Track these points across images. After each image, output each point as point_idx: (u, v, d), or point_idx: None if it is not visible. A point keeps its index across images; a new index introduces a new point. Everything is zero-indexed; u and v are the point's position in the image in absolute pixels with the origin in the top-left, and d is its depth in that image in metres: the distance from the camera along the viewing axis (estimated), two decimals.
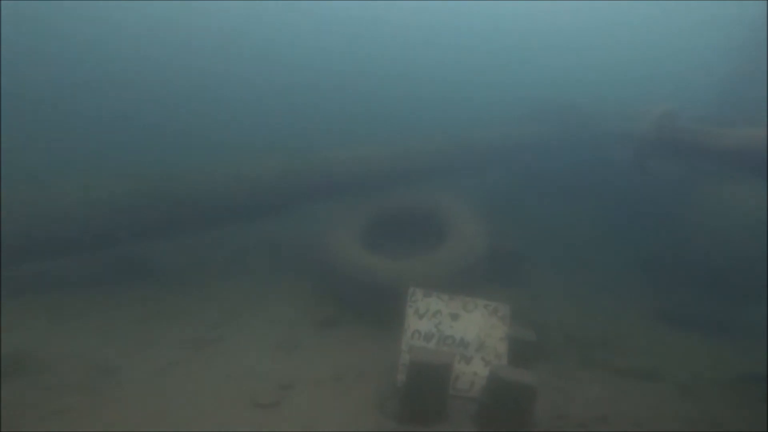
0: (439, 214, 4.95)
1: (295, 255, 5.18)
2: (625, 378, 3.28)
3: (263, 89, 15.81)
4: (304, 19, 21.80)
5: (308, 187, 4.90)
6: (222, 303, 4.23)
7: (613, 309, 4.44)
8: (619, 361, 3.52)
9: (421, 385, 2.56)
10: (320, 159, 5.01)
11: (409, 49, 21.68)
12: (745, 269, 4.20)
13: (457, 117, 12.10)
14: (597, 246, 5.59)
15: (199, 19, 19.41)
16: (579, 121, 6.37)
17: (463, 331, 3.16)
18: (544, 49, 21.85)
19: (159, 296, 4.26)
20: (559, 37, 22.61)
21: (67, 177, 4.30)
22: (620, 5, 22.10)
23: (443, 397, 2.65)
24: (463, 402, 2.79)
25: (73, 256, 4.22)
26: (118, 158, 7.19)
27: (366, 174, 5.16)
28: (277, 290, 4.53)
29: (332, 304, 4.22)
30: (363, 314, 4.00)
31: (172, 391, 2.78)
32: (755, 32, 6.35)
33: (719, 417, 2.78)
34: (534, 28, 23.17)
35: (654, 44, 20.92)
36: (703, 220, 4.39)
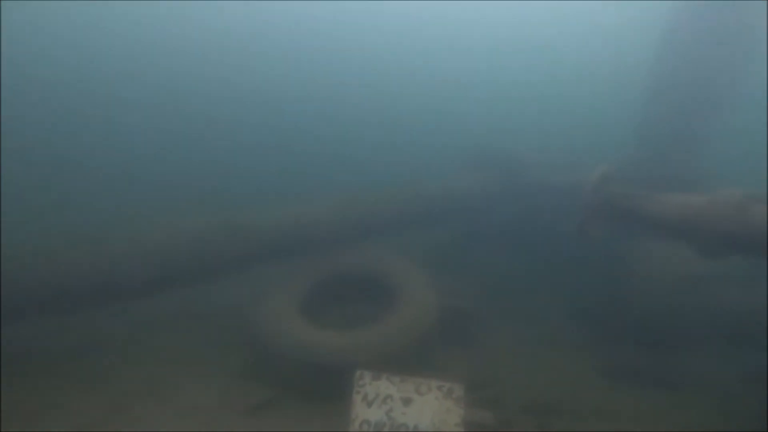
0: (386, 275, 4.70)
1: (218, 328, 4.57)
2: None
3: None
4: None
5: (228, 256, 4.33)
6: (114, 390, 3.55)
7: (562, 367, 4.37)
8: (579, 427, 3.40)
9: None
10: (245, 221, 4.49)
11: (342, 89, 21.80)
12: (677, 320, 4.36)
13: (396, 165, 12.19)
14: (543, 299, 5.62)
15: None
16: (519, 172, 6.43)
17: (417, 417, 2.83)
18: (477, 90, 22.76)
19: (36, 385, 3.51)
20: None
21: None
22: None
23: None
24: None
25: None
26: None
27: (299, 236, 4.73)
28: (194, 371, 3.90)
29: (267, 385, 3.70)
30: (303, 396, 3.53)
31: None
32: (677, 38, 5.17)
33: None
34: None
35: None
36: (638, 274, 4.55)
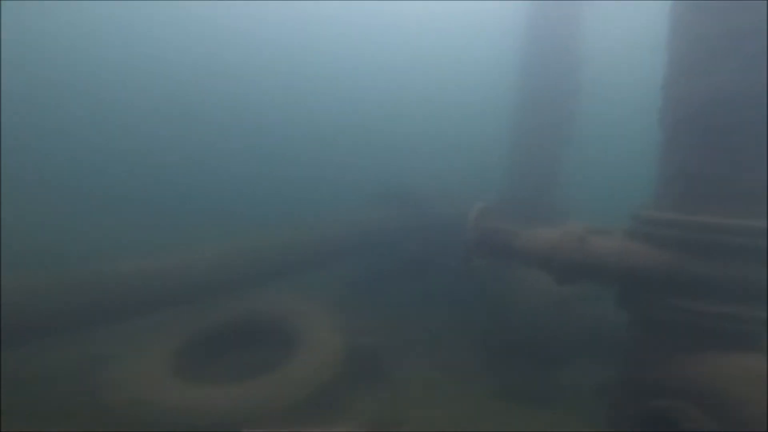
0: (284, 319, 4.46)
1: (69, 394, 3.83)
2: None
3: None
4: None
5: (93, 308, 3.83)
6: None
7: (463, 395, 4.50)
8: None
9: None
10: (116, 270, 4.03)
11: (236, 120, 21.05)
12: (549, 340, 4.83)
13: (296, 202, 11.96)
14: (444, 331, 5.77)
15: None
16: (422, 206, 6.66)
17: None
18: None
19: None
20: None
21: None
22: None
23: None
24: None
25: None
26: None
27: (182, 283, 4.34)
28: None
29: None
30: None
31: None
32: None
33: None
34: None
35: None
36: (518, 301, 5.00)
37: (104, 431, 3.01)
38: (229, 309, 4.54)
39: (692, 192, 2.82)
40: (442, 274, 6.25)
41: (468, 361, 5.18)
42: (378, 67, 24.78)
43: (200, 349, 4.16)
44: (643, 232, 2.97)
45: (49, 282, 3.60)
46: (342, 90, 24.54)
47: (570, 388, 4.48)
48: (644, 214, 3.01)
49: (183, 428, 3.13)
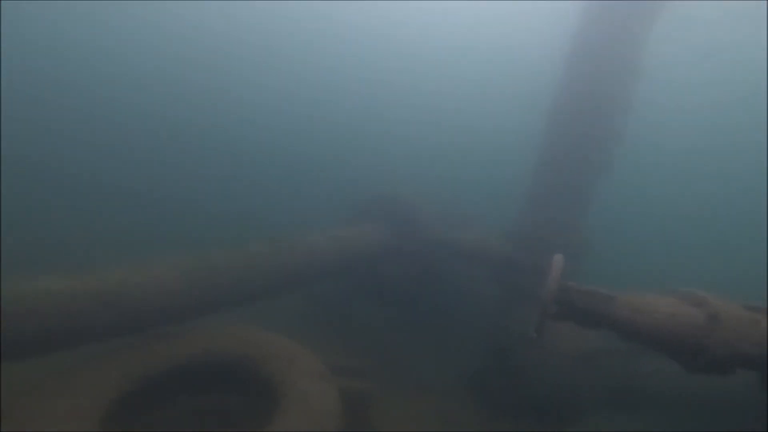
0: (257, 360, 3.53)
1: None
2: None
3: None
4: None
5: None
6: None
7: None
8: None
9: None
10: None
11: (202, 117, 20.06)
12: (570, 392, 4.17)
13: (270, 215, 11.00)
14: (439, 366, 5.04)
15: None
16: (413, 224, 5.85)
17: None
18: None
19: None
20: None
21: None
22: None
23: None
24: None
25: None
26: None
27: (120, 310, 3.29)
28: None
29: None
30: None
31: None
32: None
33: None
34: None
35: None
36: (531, 345, 4.32)
37: None
38: (184, 343, 3.55)
39: None
40: (440, 302, 5.50)
41: (466, 404, 4.46)
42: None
43: (148, 395, 3.15)
44: None
45: None
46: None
47: None
48: None
49: None
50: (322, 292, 6.31)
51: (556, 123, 5.16)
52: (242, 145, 19.25)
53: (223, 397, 3.78)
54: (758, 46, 13.06)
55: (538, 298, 2.52)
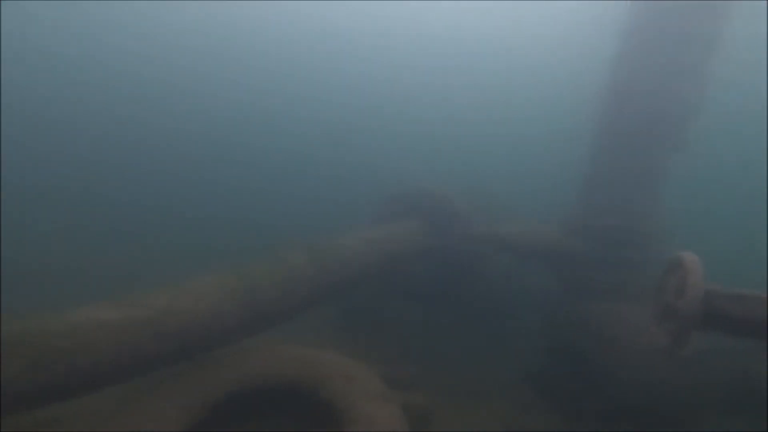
0: (316, 384, 3.31)
1: None
2: None
3: None
4: None
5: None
6: None
7: None
8: None
9: None
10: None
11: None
12: (665, 397, 3.87)
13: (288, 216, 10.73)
14: (498, 372, 4.76)
15: None
16: (451, 219, 5.50)
17: None
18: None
19: None
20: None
21: None
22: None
23: None
24: None
25: None
26: None
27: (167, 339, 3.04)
28: None
29: None
30: None
31: None
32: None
33: None
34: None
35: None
36: (611, 344, 4.04)
37: None
38: (236, 368, 3.34)
39: None
40: (489, 302, 5.22)
41: (536, 413, 4.19)
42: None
43: (206, 425, 2.96)
44: None
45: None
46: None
47: None
48: None
49: None
50: (350, 297, 6.08)
51: (620, 101, 4.75)
52: (267, 145, 18.94)
53: (277, 422, 3.60)
54: None
55: (674, 308, 2.23)
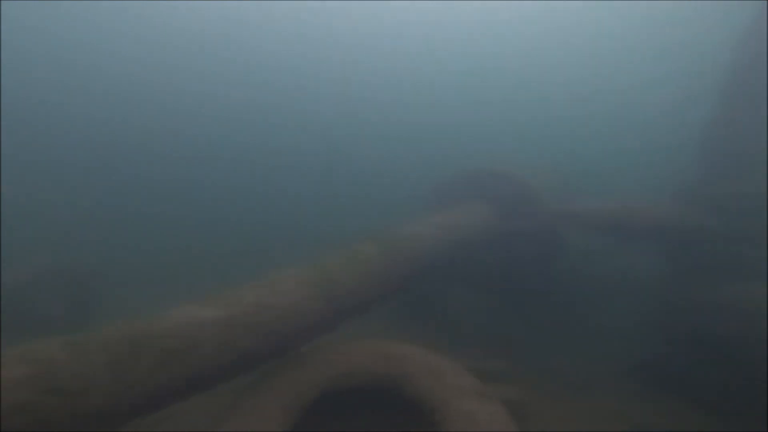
0: (401, 377, 3.16)
1: None
2: None
3: None
4: None
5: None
6: None
7: None
8: None
9: None
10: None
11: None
12: None
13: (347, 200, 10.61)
14: (594, 364, 4.39)
15: None
16: (529, 199, 5.13)
17: None
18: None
19: None
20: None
21: None
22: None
23: None
24: None
25: None
26: None
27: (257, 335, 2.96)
28: None
29: None
30: None
31: None
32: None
33: None
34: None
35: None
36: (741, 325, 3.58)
37: None
38: (323, 366, 3.25)
39: None
40: (579, 287, 4.83)
41: (641, 404, 3.83)
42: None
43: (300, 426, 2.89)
44: None
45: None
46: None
47: None
48: None
49: None
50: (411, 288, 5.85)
51: (750, 66, 4.23)
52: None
53: (360, 420, 3.49)
54: None
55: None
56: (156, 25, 21.57)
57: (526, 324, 4.96)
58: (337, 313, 3.73)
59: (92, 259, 6.82)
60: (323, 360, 3.29)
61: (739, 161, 4.21)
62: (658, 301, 4.28)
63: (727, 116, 4.36)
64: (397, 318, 5.48)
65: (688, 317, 4.00)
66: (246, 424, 2.56)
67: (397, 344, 3.55)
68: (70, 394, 1.81)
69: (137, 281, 6.13)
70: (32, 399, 1.74)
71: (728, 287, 3.82)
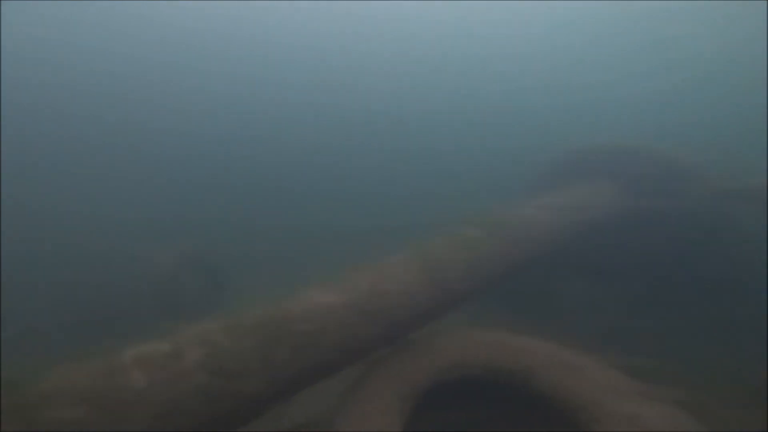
0: (535, 371, 2.90)
1: None
2: None
3: None
4: None
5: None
6: None
7: None
8: None
9: None
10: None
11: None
12: None
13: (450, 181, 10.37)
14: (741, 358, 3.67)
15: None
16: (678, 178, 4.40)
17: None
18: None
19: None
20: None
21: None
22: None
23: None
24: None
25: None
26: None
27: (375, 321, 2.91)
28: None
29: None
30: None
31: None
32: None
33: None
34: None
35: None
36: None
37: None
38: (438, 355, 3.13)
39: None
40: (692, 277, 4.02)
41: None
42: None
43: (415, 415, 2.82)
44: None
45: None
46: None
47: None
48: None
49: None
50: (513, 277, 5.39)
51: None
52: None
53: (467, 413, 3.30)
54: None
55: None
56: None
57: (664, 317, 4.26)
58: (446, 299, 3.59)
59: (217, 244, 7.69)
60: (438, 349, 3.18)
61: None
62: None
63: None
64: (495, 308, 5.16)
65: None
66: (363, 412, 2.57)
67: (518, 335, 3.29)
68: (231, 375, 1.95)
69: (255, 264, 6.68)
70: (208, 381, 1.90)
71: None
